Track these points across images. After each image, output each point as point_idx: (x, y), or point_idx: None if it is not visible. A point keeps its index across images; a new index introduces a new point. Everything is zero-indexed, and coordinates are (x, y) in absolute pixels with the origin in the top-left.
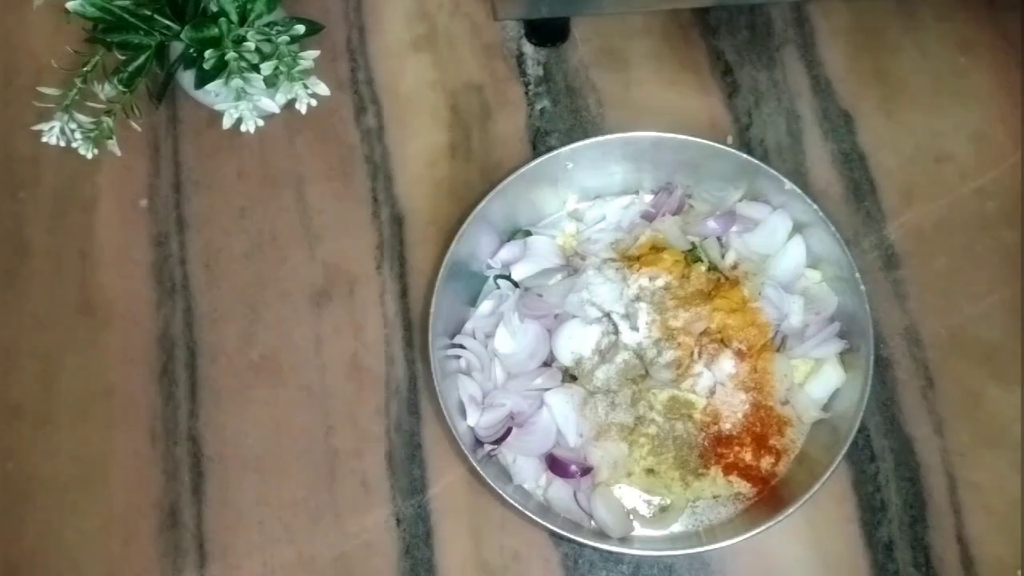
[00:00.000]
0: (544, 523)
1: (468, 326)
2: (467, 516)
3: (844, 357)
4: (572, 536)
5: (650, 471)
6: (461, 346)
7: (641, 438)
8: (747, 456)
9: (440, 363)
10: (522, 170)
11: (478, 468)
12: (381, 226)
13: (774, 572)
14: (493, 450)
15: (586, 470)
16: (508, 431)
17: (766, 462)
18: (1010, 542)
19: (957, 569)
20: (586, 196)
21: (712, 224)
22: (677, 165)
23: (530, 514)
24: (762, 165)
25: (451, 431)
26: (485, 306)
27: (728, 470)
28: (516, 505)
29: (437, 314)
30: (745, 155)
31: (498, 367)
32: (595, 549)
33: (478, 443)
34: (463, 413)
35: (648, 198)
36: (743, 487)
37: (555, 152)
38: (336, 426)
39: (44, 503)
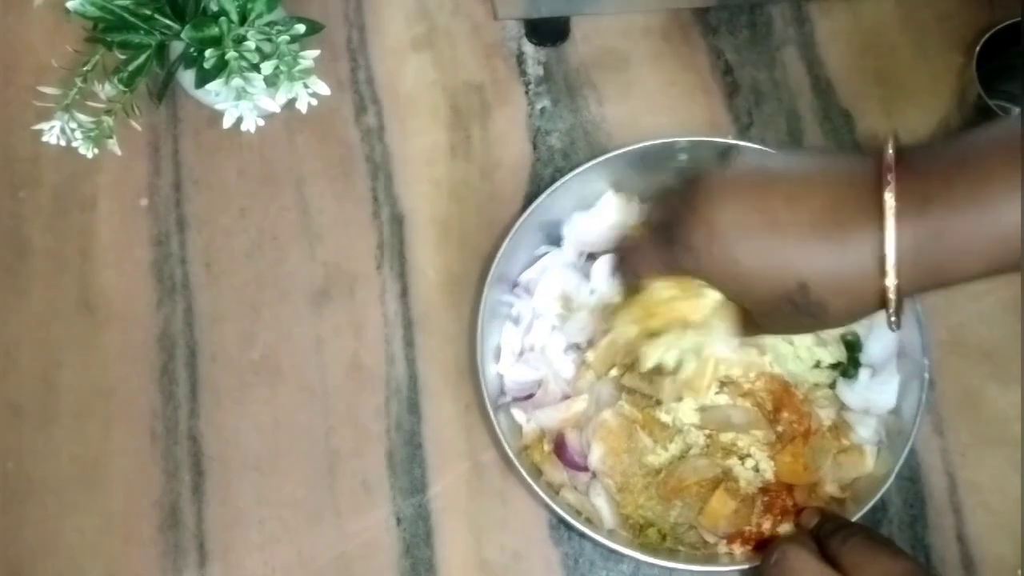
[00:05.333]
0: (541, 493)
1: (529, 275)
2: (467, 516)
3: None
4: (572, 521)
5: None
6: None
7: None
8: (766, 526)
9: (491, 305)
10: (636, 146)
11: (491, 415)
12: (381, 226)
13: None
14: (510, 403)
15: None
16: (532, 395)
17: (784, 527)
18: (1010, 542)
19: (957, 569)
20: None
21: None
22: None
23: (528, 479)
24: None
25: (478, 375)
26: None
27: (744, 542)
28: (517, 465)
29: (507, 255)
30: None
31: (546, 330)
32: (596, 543)
33: (500, 393)
34: (496, 359)
35: None
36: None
37: (671, 140)
38: (336, 426)
39: (44, 503)
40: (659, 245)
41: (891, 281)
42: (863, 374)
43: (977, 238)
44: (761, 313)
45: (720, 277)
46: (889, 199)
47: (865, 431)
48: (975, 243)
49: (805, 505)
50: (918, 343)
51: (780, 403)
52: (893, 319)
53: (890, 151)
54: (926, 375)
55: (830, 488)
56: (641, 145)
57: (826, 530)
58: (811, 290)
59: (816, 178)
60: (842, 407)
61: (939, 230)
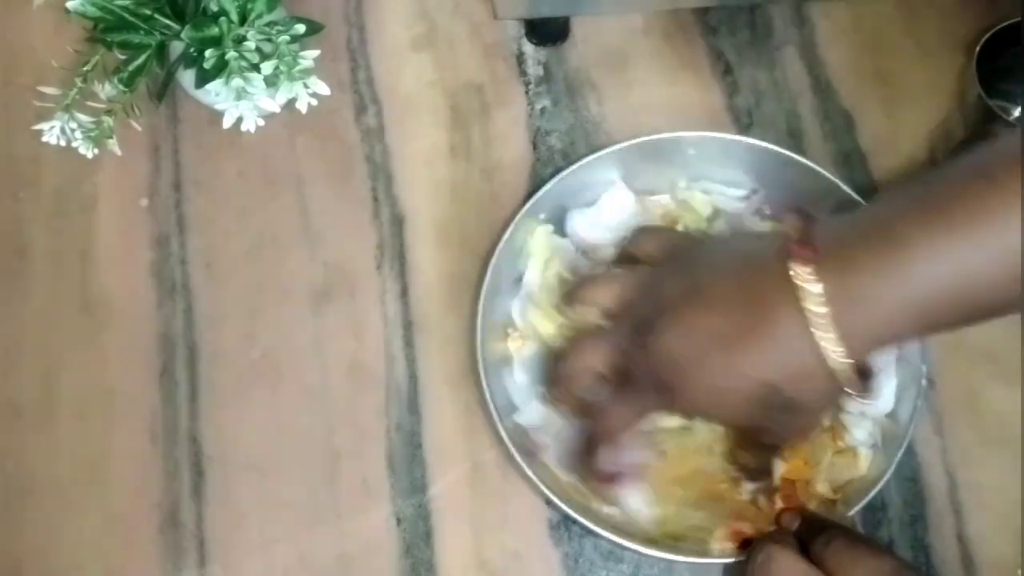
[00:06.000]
0: (532, 475)
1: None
2: (467, 516)
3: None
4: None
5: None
6: None
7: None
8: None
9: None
10: (645, 138)
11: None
12: (381, 226)
13: None
14: None
15: None
16: None
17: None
18: (1010, 542)
19: (957, 569)
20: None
21: None
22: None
23: (516, 454)
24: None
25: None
26: None
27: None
28: (502, 433)
29: (497, 269)
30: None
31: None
32: (595, 532)
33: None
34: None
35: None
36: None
37: (679, 134)
38: (336, 426)
39: (44, 503)
40: (627, 395)
41: (834, 360)
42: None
43: (901, 301)
44: (751, 427)
45: (698, 406)
46: (800, 274)
47: (860, 433)
48: (901, 305)
49: (790, 505)
50: (917, 347)
51: None
52: (856, 393)
53: (792, 229)
54: (924, 381)
55: (821, 488)
56: (654, 137)
57: (808, 532)
58: (779, 387)
59: (728, 278)
60: (838, 408)
61: (863, 295)
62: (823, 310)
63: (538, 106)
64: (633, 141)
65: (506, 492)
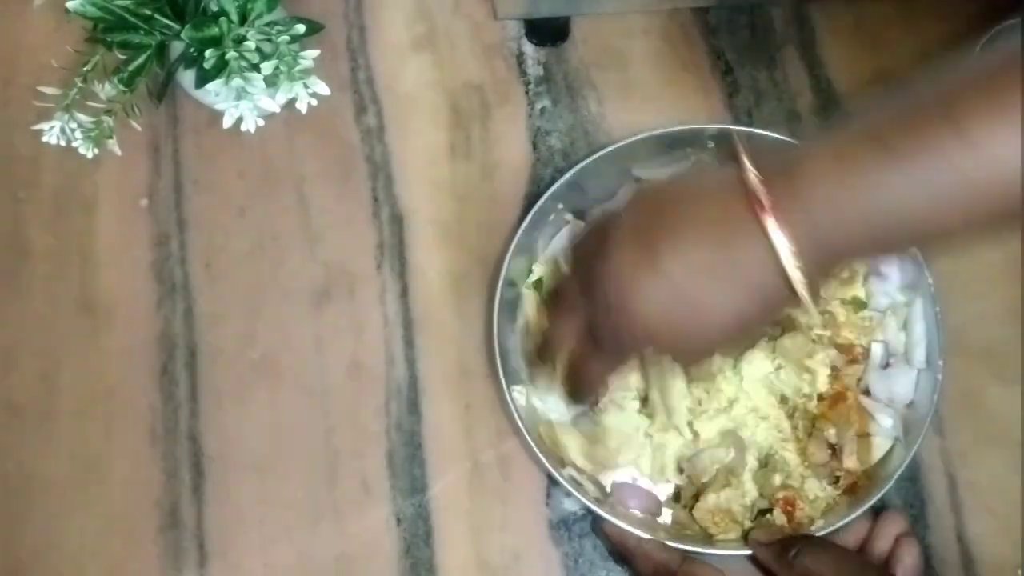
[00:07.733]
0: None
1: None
2: (467, 516)
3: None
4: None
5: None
6: None
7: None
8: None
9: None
10: (661, 131)
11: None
12: (381, 226)
13: None
14: None
15: None
16: None
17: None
18: (1010, 542)
19: (957, 569)
20: None
21: None
22: None
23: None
24: None
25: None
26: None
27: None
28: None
29: (518, 249)
30: None
31: None
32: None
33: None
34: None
35: None
36: None
37: (701, 127)
38: (336, 426)
39: (44, 503)
40: (598, 356)
41: (797, 278)
42: (876, 351)
43: (853, 222)
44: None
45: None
46: (767, 207)
47: (887, 422)
48: (854, 226)
49: None
50: (935, 343)
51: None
52: (813, 303)
53: (749, 167)
54: (939, 376)
55: (849, 462)
56: (673, 129)
57: (778, 553)
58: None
59: (690, 208)
60: (867, 392)
61: (818, 216)
62: (783, 231)
63: (538, 106)
64: (654, 132)
65: (506, 492)
